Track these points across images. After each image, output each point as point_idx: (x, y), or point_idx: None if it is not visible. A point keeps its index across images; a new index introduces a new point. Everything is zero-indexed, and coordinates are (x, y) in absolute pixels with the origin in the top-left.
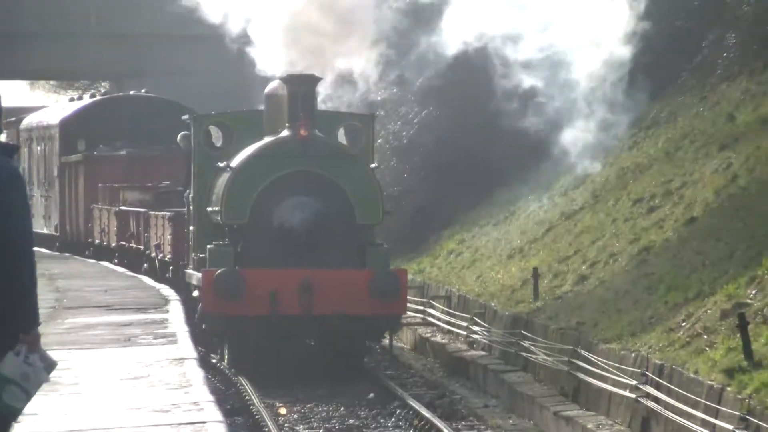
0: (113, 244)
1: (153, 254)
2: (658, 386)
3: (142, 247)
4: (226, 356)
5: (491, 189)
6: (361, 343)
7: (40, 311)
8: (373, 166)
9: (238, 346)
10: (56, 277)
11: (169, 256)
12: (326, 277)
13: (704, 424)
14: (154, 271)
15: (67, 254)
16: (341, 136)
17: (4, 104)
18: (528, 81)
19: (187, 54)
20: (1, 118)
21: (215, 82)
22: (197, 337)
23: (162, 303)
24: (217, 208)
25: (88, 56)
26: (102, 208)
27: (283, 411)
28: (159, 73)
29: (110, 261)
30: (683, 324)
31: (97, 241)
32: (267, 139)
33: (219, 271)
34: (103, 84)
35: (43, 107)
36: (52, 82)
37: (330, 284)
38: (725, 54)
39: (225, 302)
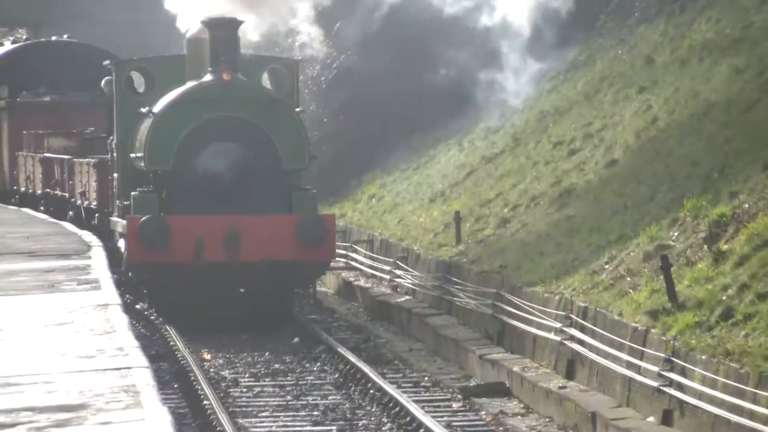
0: (38, 192)
1: (78, 202)
2: (582, 329)
3: (67, 195)
4: (152, 304)
5: (411, 133)
6: (289, 290)
7: None
8: (298, 110)
9: (165, 295)
10: None
11: (94, 203)
12: (252, 223)
13: (629, 366)
14: (80, 218)
15: None
16: (265, 81)
17: None
18: (448, 26)
19: (101, 1)
20: None
21: (129, 30)
22: (124, 285)
23: (85, 249)
24: (140, 155)
25: (5, 3)
26: (27, 155)
27: (207, 356)
28: (74, 19)
29: (36, 209)
30: (606, 266)
31: (22, 189)
32: (189, 84)
33: (143, 218)
34: (20, 31)
35: None
36: None
37: (256, 231)
38: None
39: (150, 250)
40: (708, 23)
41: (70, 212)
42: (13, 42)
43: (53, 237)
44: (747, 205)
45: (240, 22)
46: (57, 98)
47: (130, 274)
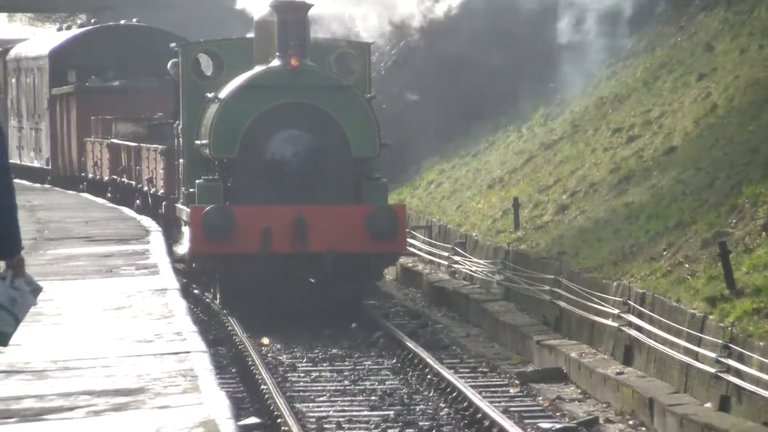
0: (106, 179)
1: (145, 189)
2: (640, 315)
3: (134, 182)
4: (218, 296)
5: (470, 120)
6: (358, 282)
7: (22, 242)
8: (369, 96)
9: (230, 286)
10: (37, 209)
11: (161, 191)
12: (320, 213)
13: (687, 352)
14: (147, 206)
15: (47, 186)
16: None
17: None
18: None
19: None
20: None
21: (193, 14)
22: (183, 270)
23: (143, 234)
24: (205, 141)
25: None
26: (95, 141)
27: (265, 341)
28: (135, 5)
29: (103, 196)
30: (664, 253)
31: (90, 176)
32: (257, 69)
33: (207, 207)
34: (80, 16)
35: (22, 39)
36: (29, 14)
37: (324, 221)
38: None
39: (214, 240)
40: None
41: (137, 200)
42: (80, 26)
43: (112, 222)
44: None
45: (309, 6)
46: (126, 83)
47: (193, 265)
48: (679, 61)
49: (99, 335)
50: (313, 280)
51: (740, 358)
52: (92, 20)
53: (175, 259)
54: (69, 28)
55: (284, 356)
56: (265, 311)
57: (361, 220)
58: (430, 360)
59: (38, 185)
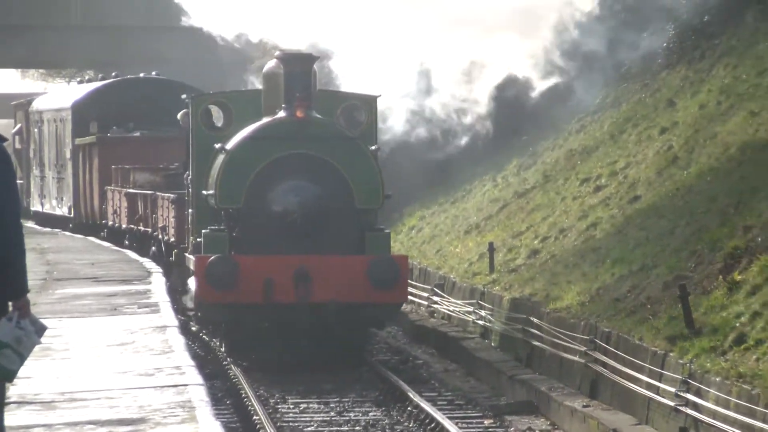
0: (124, 226)
1: (160, 236)
2: (605, 352)
3: (150, 230)
4: (224, 345)
5: (448, 169)
6: (361, 332)
7: (32, 283)
8: (373, 147)
9: (235, 335)
10: (46, 251)
11: (173, 238)
12: (323, 263)
13: (649, 387)
14: (161, 253)
15: (56, 230)
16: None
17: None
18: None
19: (166, 44)
20: None
21: (193, 70)
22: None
23: (145, 275)
24: (212, 192)
25: (74, 46)
26: (114, 189)
27: None
28: (141, 61)
29: (121, 243)
30: (628, 294)
31: (110, 223)
32: (263, 120)
33: (212, 257)
34: (87, 72)
35: (39, 93)
36: (41, 70)
37: (327, 271)
38: (665, 44)
39: (219, 290)
40: (726, 69)
41: (153, 247)
42: (102, 79)
43: (116, 264)
44: (760, 239)
45: (315, 58)
46: (146, 133)
47: (199, 314)
48: (643, 116)
49: (104, 369)
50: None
51: (698, 393)
52: (113, 74)
53: (183, 310)
54: (80, 82)
55: (275, 390)
56: (269, 362)
57: (363, 270)
58: (410, 393)
59: (48, 229)
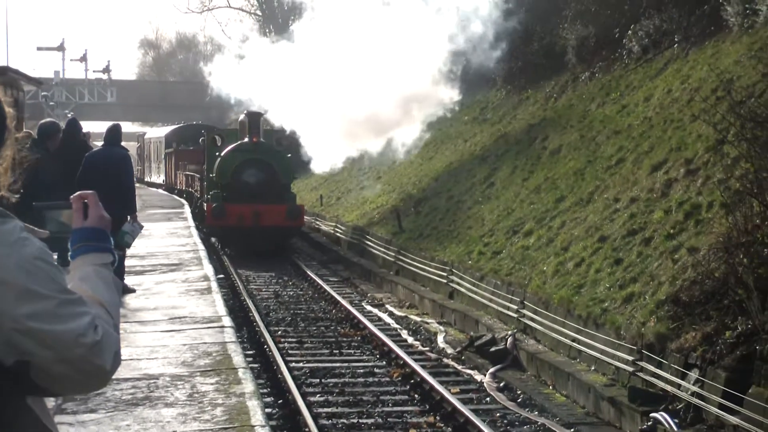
0: (182, 188)
1: (193, 192)
2: (400, 252)
3: (190, 189)
4: (218, 243)
5: None
6: (284, 239)
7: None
8: (288, 155)
9: (224, 240)
10: (143, 195)
11: (197, 194)
12: (266, 208)
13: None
14: (192, 200)
15: (158, 189)
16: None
17: (125, 130)
18: None
19: (200, 95)
20: (121, 136)
21: (207, 115)
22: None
23: (181, 205)
24: (213, 175)
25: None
26: (179, 172)
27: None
28: (197, 111)
29: (180, 195)
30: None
31: (177, 187)
32: (238, 143)
33: (214, 204)
34: (166, 123)
35: (144, 132)
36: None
37: (268, 212)
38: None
39: (217, 219)
40: None
41: (192, 200)
42: (176, 124)
43: (169, 200)
44: None
45: (261, 114)
46: (191, 148)
47: (205, 231)
48: None
49: (165, 242)
50: (263, 240)
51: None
52: (181, 121)
53: (199, 227)
54: (169, 125)
55: (258, 280)
56: (240, 252)
57: (284, 211)
58: (304, 267)
59: (153, 189)
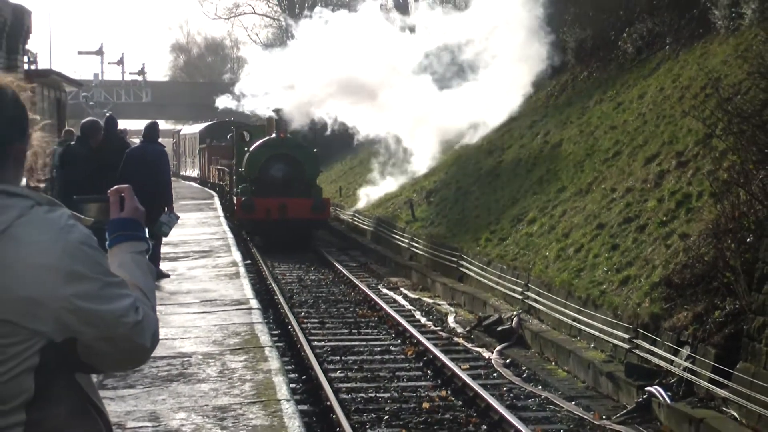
0: (214, 182)
1: (224, 186)
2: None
3: (222, 184)
4: (248, 235)
5: None
6: (310, 231)
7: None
8: (315, 150)
9: (253, 232)
10: (177, 188)
11: (227, 188)
12: (293, 202)
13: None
14: (222, 193)
15: (191, 183)
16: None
17: (162, 127)
18: None
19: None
20: (159, 133)
21: (235, 115)
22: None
23: (211, 197)
24: (243, 169)
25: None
26: (212, 166)
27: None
28: (229, 114)
29: (213, 189)
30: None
31: (210, 181)
32: (266, 138)
33: (243, 198)
34: (198, 120)
35: (180, 128)
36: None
37: (294, 205)
38: None
39: (246, 213)
40: None
41: (223, 193)
42: (210, 120)
43: (200, 192)
44: None
45: (280, 110)
46: (226, 143)
47: (236, 223)
48: None
49: (196, 231)
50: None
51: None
52: (213, 119)
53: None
54: (203, 122)
55: (282, 267)
56: (268, 244)
57: (310, 205)
58: (332, 260)
59: (186, 183)
